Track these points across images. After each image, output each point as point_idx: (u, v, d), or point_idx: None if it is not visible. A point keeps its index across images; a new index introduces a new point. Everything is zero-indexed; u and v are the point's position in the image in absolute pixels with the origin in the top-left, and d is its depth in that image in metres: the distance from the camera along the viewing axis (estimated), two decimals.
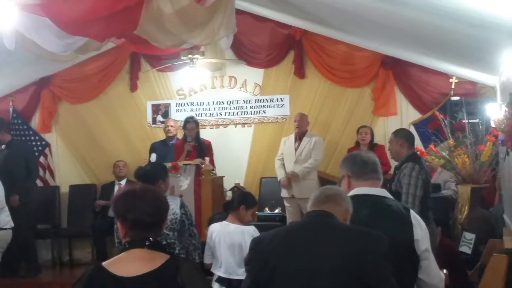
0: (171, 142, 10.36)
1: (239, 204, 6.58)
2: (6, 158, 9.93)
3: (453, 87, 10.00)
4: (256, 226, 6.80)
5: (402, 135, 6.92)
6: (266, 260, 3.30)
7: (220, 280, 6.28)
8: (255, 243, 3.51)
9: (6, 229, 7.95)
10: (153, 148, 10.39)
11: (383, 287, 3.24)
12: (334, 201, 3.50)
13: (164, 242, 5.21)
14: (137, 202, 3.16)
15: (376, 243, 3.29)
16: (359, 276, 3.19)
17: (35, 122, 11.83)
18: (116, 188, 10.55)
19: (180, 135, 10.55)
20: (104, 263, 3.13)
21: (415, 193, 6.35)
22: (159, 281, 3.01)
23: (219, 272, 6.36)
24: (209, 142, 10.14)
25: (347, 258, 3.21)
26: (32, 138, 11.46)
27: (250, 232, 6.39)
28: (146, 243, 3.11)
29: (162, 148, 10.28)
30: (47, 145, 11.50)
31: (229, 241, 6.37)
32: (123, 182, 10.74)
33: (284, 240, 3.38)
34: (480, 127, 9.00)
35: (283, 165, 9.94)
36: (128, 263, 3.08)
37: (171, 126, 10.53)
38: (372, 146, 9.80)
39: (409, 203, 6.23)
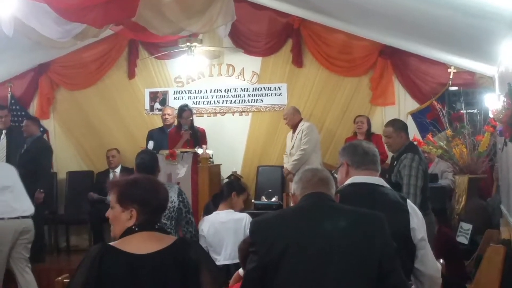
0: (168, 130, 10.33)
1: (229, 191, 6.61)
2: (33, 153, 9.99)
3: (451, 77, 10.01)
4: (253, 214, 6.81)
5: (400, 127, 6.88)
6: (273, 243, 3.26)
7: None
8: (257, 226, 3.46)
9: (27, 217, 7.96)
10: (151, 136, 10.38)
11: (391, 263, 3.25)
12: (327, 184, 3.51)
13: None
14: (160, 189, 3.27)
15: (381, 224, 3.32)
16: (368, 256, 3.20)
17: (33, 108, 11.81)
18: (111, 176, 10.51)
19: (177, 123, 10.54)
20: (112, 243, 3.16)
21: (416, 184, 6.33)
22: (174, 256, 3.07)
23: (217, 261, 6.36)
24: (203, 130, 10.13)
25: (356, 239, 3.23)
26: None
27: (245, 219, 6.42)
28: (155, 226, 3.20)
29: (159, 135, 10.26)
30: (45, 131, 11.47)
31: (224, 228, 6.39)
32: (118, 170, 10.72)
33: (294, 222, 3.35)
34: (478, 117, 9.03)
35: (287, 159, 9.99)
36: (139, 242, 3.12)
37: (168, 114, 10.50)
38: (369, 135, 9.80)
39: (411, 194, 6.22)
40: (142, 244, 3.10)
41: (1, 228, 7.79)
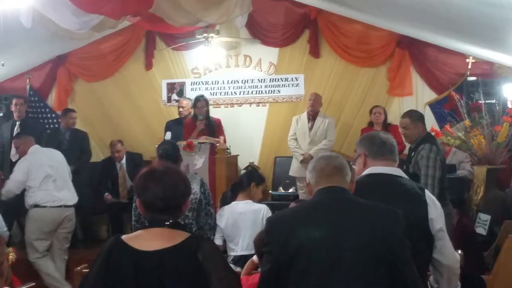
0: (185, 121, 10.33)
1: (249, 181, 6.61)
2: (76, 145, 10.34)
3: (469, 67, 9.94)
4: (270, 205, 6.82)
5: (418, 117, 6.84)
6: (288, 241, 3.23)
7: (236, 260, 6.29)
8: (273, 224, 3.43)
9: (45, 206, 8.09)
10: (168, 126, 10.39)
11: (405, 263, 3.23)
12: (342, 173, 3.47)
13: (182, 223, 5.23)
14: (150, 185, 3.16)
15: (397, 220, 3.29)
16: (383, 253, 3.18)
17: (52, 99, 11.89)
18: (118, 167, 10.54)
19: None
20: (123, 237, 3.15)
21: (434, 175, 6.30)
22: (179, 256, 3.02)
23: (235, 251, 6.37)
24: (219, 120, 10.07)
25: (372, 234, 3.20)
26: (49, 115, 11.47)
27: (263, 210, 6.43)
28: (166, 223, 3.13)
29: (176, 126, 10.27)
30: None
31: (242, 219, 6.39)
32: (123, 161, 10.60)
33: (308, 219, 3.32)
34: (497, 107, 8.99)
35: (298, 144, 9.95)
36: (148, 239, 3.10)
37: (182, 107, 10.52)
38: (386, 126, 9.77)
39: (429, 184, 6.20)
40: (151, 241, 3.08)
41: (43, 216, 8.09)
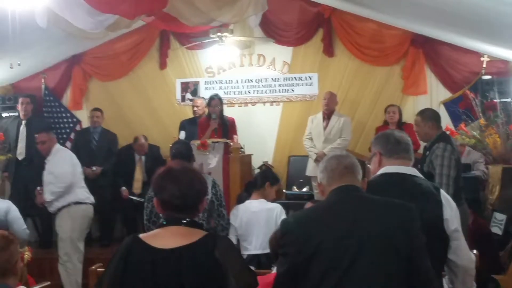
0: (199, 120, 10.35)
1: (264, 181, 6.64)
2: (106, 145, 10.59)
3: (484, 65, 9.88)
4: (284, 204, 6.83)
5: (429, 116, 6.83)
6: (305, 242, 3.24)
7: (249, 259, 6.30)
8: (288, 227, 3.43)
9: (86, 203, 8.19)
10: (182, 126, 10.42)
11: (420, 257, 3.24)
12: (353, 172, 3.48)
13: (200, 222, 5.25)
14: (167, 184, 3.20)
15: (412, 215, 3.30)
16: (400, 248, 3.18)
17: (67, 99, 11.93)
18: (137, 161, 10.64)
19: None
20: (141, 235, 3.20)
21: (449, 174, 6.29)
22: (196, 253, 3.04)
23: (248, 250, 6.39)
24: (233, 119, 10.09)
25: (388, 230, 3.22)
26: (64, 115, 11.54)
27: (277, 209, 6.44)
28: (183, 221, 3.16)
29: (190, 126, 10.28)
30: (78, 122, 11.58)
31: (256, 217, 6.41)
32: (143, 157, 10.70)
33: (324, 220, 3.33)
34: None
35: (313, 143, 9.96)
36: (166, 237, 3.13)
37: (197, 106, 10.52)
38: (401, 125, 9.74)
39: (443, 184, 6.18)
40: (168, 239, 3.11)
41: (87, 212, 8.29)
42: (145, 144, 10.59)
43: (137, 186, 10.39)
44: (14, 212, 6.38)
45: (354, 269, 3.15)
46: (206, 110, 10.09)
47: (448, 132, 7.89)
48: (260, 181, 6.68)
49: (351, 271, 3.15)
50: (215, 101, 9.69)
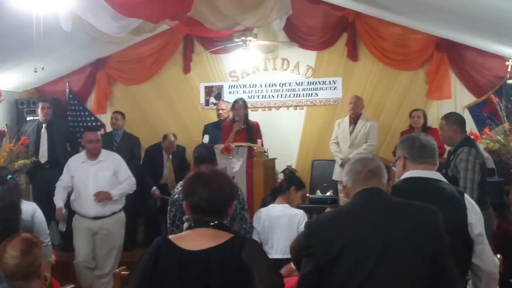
0: (224, 124, 10.36)
1: (289, 185, 6.62)
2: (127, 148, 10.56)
3: (509, 70, 9.82)
4: (307, 208, 6.82)
5: (453, 120, 6.79)
6: (329, 244, 3.25)
7: None
8: (312, 228, 3.44)
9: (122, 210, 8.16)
10: (206, 130, 10.42)
11: (444, 258, 3.23)
12: (378, 176, 3.48)
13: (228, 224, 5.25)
14: (197, 188, 3.25)
15: (436, 217, 3.28)
16: (425, 250, 3.18)
17: (91, 103, 11.99)
18: (165, 159, 10.67)
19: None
20: (170, 236, 3.25)
21: (473, 178, 6.24)
22: (223, 255, 3.08)
23: (270, 254, 6.37)
24: (257, 123, 10.07)
25: (412, 232, 3.21)
26: (88, 119, 11.60)
27: (299, 215, 6.42)
28: (211, 224, 3.21)
29: (214, 130, 10.29)
30: (102, 125, 11.63)
31: (278, 222, 6.39)
32: (170, 156, 10.72)
33: (349, 222, 3.34)
34: None
35: (339, 147, 9.97)
36: (194, 239, 3.18)
37: (222, 109, 10.53)
38: (425, 129, 9.69)
39: (468, 188, 6.13)
40: (196, 240, 3.16)
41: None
42: (174, 142, 10.63)
43: (171, 185, 10.37)
44: (40, 215, 6.40)
45: (378, 271, 3.15)
46: (231, 114, 10.11)
47: (472, 137, 7.85)
48: (285, 185, 6.67)
49: (375, 274, 3.15)
50: (238, 104, 9.71)
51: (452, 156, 6.59)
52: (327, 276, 3.22)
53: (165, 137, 10.64)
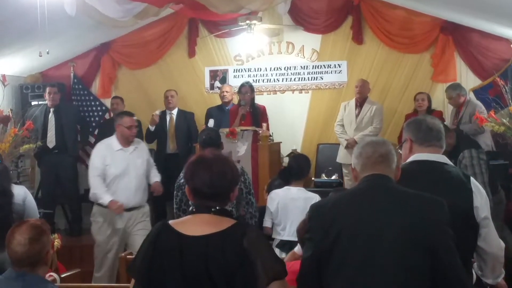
0: (227, 108, 10.37)
1: (308, 170, 6.65)
2: None
3: None
4: (312, 192, 6.80)
5: (447, 129, 6.59)
6: (329, 228, 3.23)
7: (281, 245, 6.31)
8: (315, 211, 3.43)
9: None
10: (209, 113, 10.44)
11: (446, 253, 3.16)
12: (388, 161, 3.42)
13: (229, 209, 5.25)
14: (199, 172, 3.22)
15: (439, 209, 3.23)
16: (423, 242, 3.12)
17: (95, 87, 11.98)
18: (168, 118, 10.71)
19: (236, 101, 10.56)
20: (170, 222, 3.23)
21: (484, 180, 6.15)
22: (224, 241, 3.06)
23: (281, 236, 6.40)
24: (264, 107, 10.11)
25: (412, 224, 3.15)
26: (93, 103, 11.60)
27: (315, 199, 6.40)
28: (212, 209, 3.19)
29: (218, 113, 10.30)
30: (107, 110, 11.61)
31: (293, 205, 6.39)
32: (175, 112, 10.77)
33: (348, 207, 3.31)
34: None
35: (344, 130, 9.97)
36: (195, 224, 3.16)
37: (226, 91, 10.51)
38: (430, 112, 9.68)
39: None
40: (197, 226, 3.14)
41: None
42: (175, 96, 10.77)
43: (172, 146, 10.56)
44: (30, 198, 6.35)
45: (373, 260, 3.12)
46: (235, 97, 10.09)
47: (477, 120, 7.87)
48: (306, 171, 6.67)
49: (369, 261, 3.12)
50: (245, 88, 9.72)
51: (452, 160, 6.48)
52: (325, 261, 3.21)
53: (166, 92, 10.83)
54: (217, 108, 10.63)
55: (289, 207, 6.40)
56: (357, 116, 9.93)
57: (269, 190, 6.85)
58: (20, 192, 6.12)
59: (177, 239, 3.10)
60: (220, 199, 3.24)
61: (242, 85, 9.84)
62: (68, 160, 10.41)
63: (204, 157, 3.31)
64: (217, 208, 3.20)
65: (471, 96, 9.92)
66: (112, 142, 7.61)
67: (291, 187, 6.53)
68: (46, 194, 10.35)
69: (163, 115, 10.74)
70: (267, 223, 6.44)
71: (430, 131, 3.92)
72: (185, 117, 10.76)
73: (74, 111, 11.11)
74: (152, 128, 10.42)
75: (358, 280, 3.14)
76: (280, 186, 6.65)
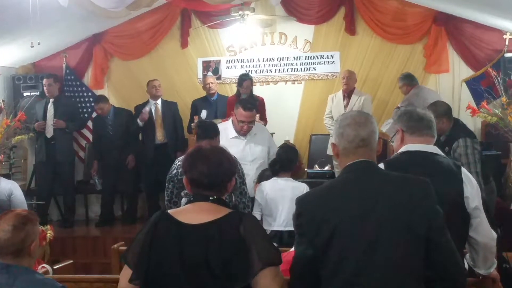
0: (212, 99, 10.39)
1: (296, 162, 6.69)
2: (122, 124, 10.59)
3: (507, 43, 9.81)
4: (305, 183, 6.82)
5: (442, 113, 6.38)
6: (321, 223, 3.15)
7: (272, 236, 6.32)
8: (304, 206, 3.31)
9: None
10: (195, 105, 10.43)
11: (439, 235, 3.10)
12: (370, 144, 3.29)
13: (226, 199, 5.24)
14: (197, 163, 3.27)
15: (427, 189, 3.16)
16: (417, 222, 3.05)
17: (88, 78, 11.92)
18: (153, 108, 10.59)
19: (220, 91, 10.63)
20: (169, 211, 3.28)
21: (477, 170, 6.13)
22: (222, 229, 3.10)
23: (272, 227, 6.43)
24: (262, 98, 10.09)
25: (403, 205, 3.08)
26: (85, 94, 11.55)
27: (303, 187, 6.45)
28: (210, 198, 3.24)
29: (203, 104, 10.28)
30: None
31: (281, 195, 6.43)
32: (159, 101, 10.67)
33: (338, 199, 3.22)
34: None
35: (334, 122, 9.95)
36: (193, 212, 3.20)
37: (211, 82, 10.46)
38: None
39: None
40: (195, 214, 3.18)
41: None
42: (159, 85, 10.68)
43: (159, 135, 10.45)
44: (18, 194, 6.26)
45: (374, 249, 3.06)
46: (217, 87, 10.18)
47: (469, 111, 7.89)
48: (294, 163, 6.75)
49: (370, 253, 3.06)
50: (246, 82, 9.71)
51: (446, 148, 6.46)
52: (321, 256, 3.16)
53: (149, 81, 10.71)
54: (202, 99, 10.56)
55: (277, 198, 6.44)
56: (345, 107, 9.89)
57: (259, 181, 6.88)
58: (6, 187, 6.06)
59: (176, 227, 3.14)
60: (218, 189, 3.28)
61: (243, 79, 9.79)
62: (65, 151, 10.43)
63: (202, 149, 3.36)
64: (215, 197, 3.25)
65: (424, 86, 9.99)
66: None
67: (278, 178, 6.57)
68: (42, 185, 10.37)
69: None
70: (256, 215, 6.45)
71: (421, 120, 3.95)
72: (169, 107, 10.69)
73: (74, 105, 11.18)
74: (141, 123, 10.36)
75: (359, 280, 3.09)
76: (270, 177, 6.69)
